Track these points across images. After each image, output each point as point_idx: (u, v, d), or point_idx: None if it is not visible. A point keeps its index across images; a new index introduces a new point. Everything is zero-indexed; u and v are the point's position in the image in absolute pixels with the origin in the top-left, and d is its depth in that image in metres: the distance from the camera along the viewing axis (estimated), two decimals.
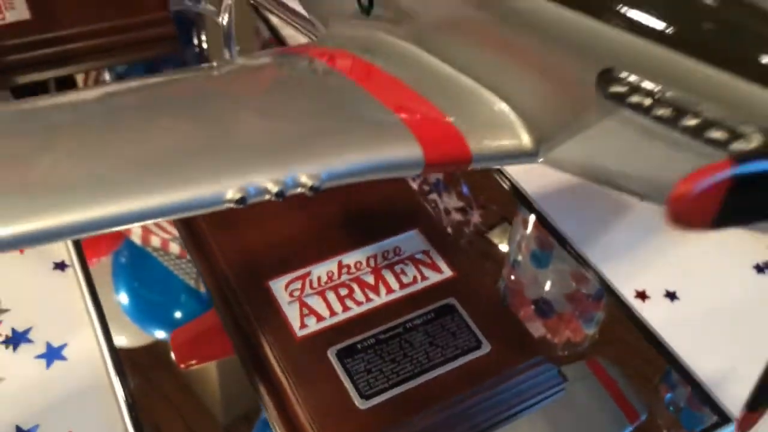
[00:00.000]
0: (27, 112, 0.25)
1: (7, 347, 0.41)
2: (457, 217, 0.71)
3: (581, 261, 0.50)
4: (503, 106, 0.25)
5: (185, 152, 0.21)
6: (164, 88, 0.26)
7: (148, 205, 0.19)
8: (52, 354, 0.41)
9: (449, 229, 0.72)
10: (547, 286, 0.62)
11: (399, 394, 0.39)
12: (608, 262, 0.50)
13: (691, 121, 0.21)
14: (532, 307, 0.63)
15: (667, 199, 0.14)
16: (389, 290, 0.44)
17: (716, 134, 0.20)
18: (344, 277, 0.44)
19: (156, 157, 0.21)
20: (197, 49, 0.70)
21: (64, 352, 0.41)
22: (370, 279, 0.44)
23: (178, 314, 0.48)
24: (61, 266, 0.45)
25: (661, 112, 0.21)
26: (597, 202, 0.53)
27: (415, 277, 0.44)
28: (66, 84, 0.62)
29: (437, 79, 0.25)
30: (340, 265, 0.44)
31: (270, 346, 0.40)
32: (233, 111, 0.24)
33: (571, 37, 0.23)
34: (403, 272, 0.45)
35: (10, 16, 0.60)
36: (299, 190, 0.21)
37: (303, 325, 0.41)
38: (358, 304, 0.43)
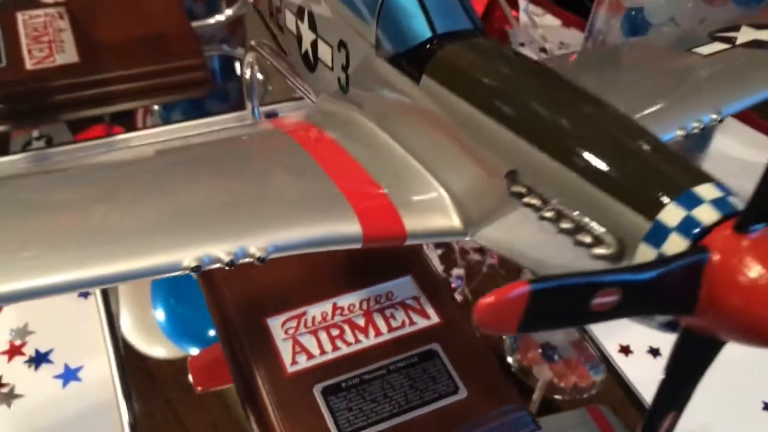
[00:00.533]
0: None
1: (29, 366, 0.46)
2: (474, 257, 0.74)
3: None
4: (441, 191, 0.28)
5: (150, 226, 0.25)
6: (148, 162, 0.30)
7: (116, 270, 0.23)
8: (69, 375, 0.45)
9: (463, 270, 0.75)
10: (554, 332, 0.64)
11: None
12: None
13: (567, 225, 0.23)
14: (539, 350, 0.65)
15: (474, 308, 0.17)
16: (378, 333, 0.47)
17: (584, 238, 0.23)
18: (337, 318, 0.47)
19: (123, 232, 0.25)
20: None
21: (80, 374, 0.46)
22: (361, 321, 0.47)
23: (211, 332, 0.52)
24: (84, 294, 0.50)
25: (548, 214, 0.24)
26: None
27: (403, 321, 0.47)
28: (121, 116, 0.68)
29: (389, 160, 0.29)
30: (335, 307, 0.48)
31: (262, 379, 0.44)
32: (203, 184, 0.28)
33: (491, 139, 0.26)
34: (392, 316, 0.48)
35: (60, 59, 0.67)
36: (248, 260, 0.24)
37: (294, 362, 0.45)
38: (348, 344, 0.46)
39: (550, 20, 0.81)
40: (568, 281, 0.18)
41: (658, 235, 0.21)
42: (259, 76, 0.56)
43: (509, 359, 0.62)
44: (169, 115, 0.71)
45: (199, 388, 0.46)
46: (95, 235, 0.24)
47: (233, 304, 0.48)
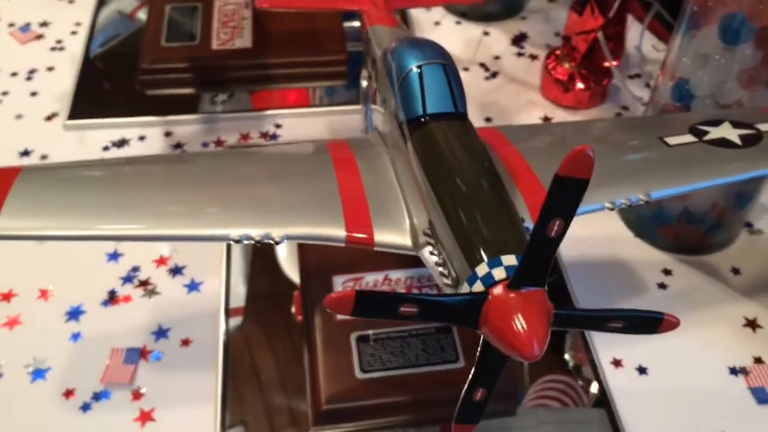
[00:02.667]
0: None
1: (169, 274, 0.65)
2: None
3: None
4: (405, 217, 0.40)
5: (219, 206, 0.40)
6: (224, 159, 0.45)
7: (192, 233, 0.38)
8: (193, 286, 0.64)
9: None
10: None
11: (386, 376, 0.56)
12: None
13: (440, 260, 0.36)
14: None
15: (326, 297, 0.29)
16: None
17: (444, 270, 0.35)
18: (384, 287, 0.61)
19: (199, 209, 0.40)
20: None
21: (200, 287, 0.64)
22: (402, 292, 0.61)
23: None
24: None
25: (434, 249, 0.36)
26: (607, 278, 0.65)
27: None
28: None
29: (384, 187, 0.41)
30: (385, 278, 0.62)
31: (318, 319, 0.59)
32: (249, 185, 0.42)
33: (427, 194, 0.38)
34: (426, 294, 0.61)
35: (238, 43, 0.85)
36: (269, 241, 0.39)
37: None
38: None
39: None
40: (384, 294, 0.30)
41: (472, 279, 0.33)
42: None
43: None
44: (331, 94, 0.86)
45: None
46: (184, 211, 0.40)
47: (312, 261, 0.63)
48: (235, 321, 0.61)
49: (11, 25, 0.90)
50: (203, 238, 0.39)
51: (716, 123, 0.46)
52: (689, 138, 0.45)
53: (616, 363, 0.60)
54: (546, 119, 0.80)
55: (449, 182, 0.37)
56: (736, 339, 0.61)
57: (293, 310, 0.63)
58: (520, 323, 0.30)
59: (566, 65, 0.80)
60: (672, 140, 0.45)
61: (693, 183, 0.43)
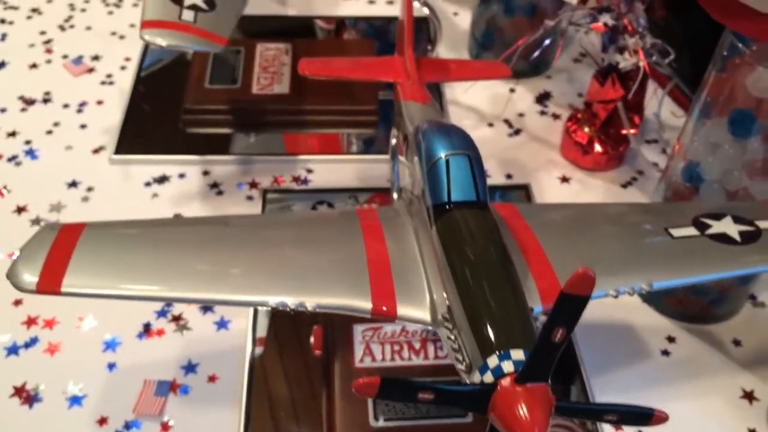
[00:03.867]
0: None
1: (201, 312, 0.69)
2: None
3: None
4: (426, 294, 0.44)
5: (261, 273, 0.44)
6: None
7: (224, 298, 0.43)
8: (222, 324, 0.68)
9: None
10: None
11: (399, 426, 0.59)
12: (598, 377, 0.65)
13: (455, 345, 0.40)
14: None
15: (353, 383, 0.33)
16: (426, 356, 0.64)
17: (458, 356, 0.39)
18: (401, 338, 0.65)
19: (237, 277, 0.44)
20: None
21: (229, 325, 0.68)
22: (417, 345, 0.65)
23: None
24: None
25: (450, 334, 0.40)
26: (613, 341, 0.68)
27: (447, 354, 0.64)
28: None
29: (408, 260, 0.46)
30: (403, 329, 0.66)
31: (338, 364, 0.63)
32: (287, 252, 0.47)
33: (447, 279, 0.42)
34: (441, 348, 0.65)
35: (276, 89, 0.90)
36: (303, 309, 0.43)
37: (361, 360, 0.64)
38: (402, 359, 0.64)
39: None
40: (405, 381, 0.34)
41: (483, 369, 0.37)
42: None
43: None
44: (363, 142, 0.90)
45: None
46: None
47: None
48: (259, 350, 0.65)
49: (65, 56, 0.96)
50: (245, 303, 0.44)
51: (719, 216, 0.50)
52: (692, 231, 0.48)
53: (617, 426, 0.63)
54: (564, 179, 0.84)
55: (469, 273, 0.41)
56: (732, 410, 0.64)
57: (312, 341, 0.67)
58: (524, 414, 0.34)
59: (586, 129, 0.84)
60: (676, 232, 0.48)
61: (693, 276, 0.46)
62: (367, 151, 0.87)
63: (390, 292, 0.44)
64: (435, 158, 0.46)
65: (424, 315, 0.44)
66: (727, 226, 0.49)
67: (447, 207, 0.45)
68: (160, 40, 0.59)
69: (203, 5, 0.64)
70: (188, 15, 0.61)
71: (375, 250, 0.46)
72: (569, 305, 0.32)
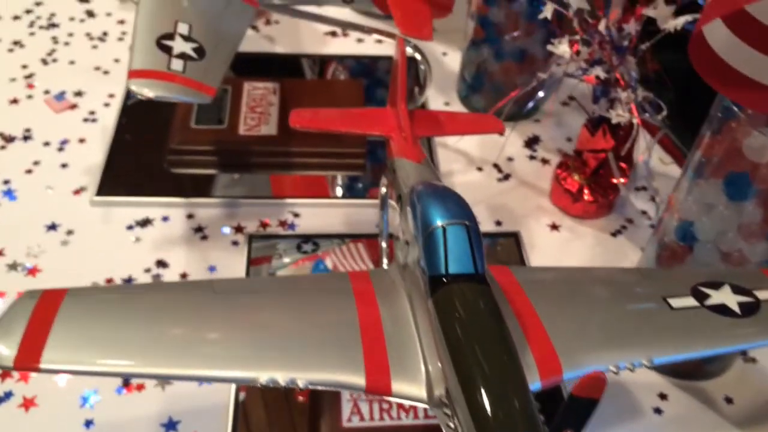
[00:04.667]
0: None
1: None
2: None
3: None
4: (422, 370, 0.43)
5: (248, 347, 0.42)
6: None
7: (212, 375, 0.41)
8: None
9: None
10: None
11: None
12: None
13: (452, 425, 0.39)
14: None
15: None
16: (416, 416, 0.63)
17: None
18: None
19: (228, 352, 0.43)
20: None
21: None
22: (407, 403, 0.63)
23: None
24: None
25: (449, 422, 0.39)
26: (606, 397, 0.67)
27: None
28: None
29: (402, 333, 0.44)
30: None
31: (324, 423, 0.62)
32: (276, 322, 0.45)
33: (444, 360, 0.41)
34: None
35: (264, 130, 0.88)
36: (293, 385, 0.41)
37: (349, 419, 0.62)
38: (391, 418, 0.62)
39: (676, 170, 0.90)
40: None
41: None
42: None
43: None
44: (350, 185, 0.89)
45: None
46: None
47: None
48: (243, 400, 0.63)
49: (47, 92, 0.94)
50: (234, 380, 0.42)
51: (717, 286, 0.49)
52: (691, 301, 0.48)
53: None
54: (554, 226, 0.83)
55: (468, 355, 0.40)
56: None
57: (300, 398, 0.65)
58: None
59: (576, 177, 0.83)
60: (675, 302, 0.47)
61: (694, 351, 0.45)
62: (355, 195, 0.86)
63: (384, 366, 0.42)
64: (432, 227, 0.44)
65: (420, 392, 0.42)
66: (726, 297, 0.48)
67: (444, 279, 0.44)
68: (147, 91, 0.58)
69: (193, 54, 0.62)
70: (177, 64, 0.60)
71: (368, 319, 0.45)
72: (579, 408, 0.31)
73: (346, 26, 0.92)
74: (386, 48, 1.06)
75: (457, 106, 0.99)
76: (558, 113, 0.99)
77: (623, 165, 0.83)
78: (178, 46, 0.62)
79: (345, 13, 1.08)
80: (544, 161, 0.92)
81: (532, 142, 0.95)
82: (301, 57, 1.04)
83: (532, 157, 0.93)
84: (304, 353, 0.43)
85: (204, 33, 0.65)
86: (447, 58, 1.07)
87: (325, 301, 0.48)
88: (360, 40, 1.08)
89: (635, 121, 0.69)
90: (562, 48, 0.68)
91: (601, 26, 0.71)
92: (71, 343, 0.41)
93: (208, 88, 0.61)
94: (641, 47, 0.71)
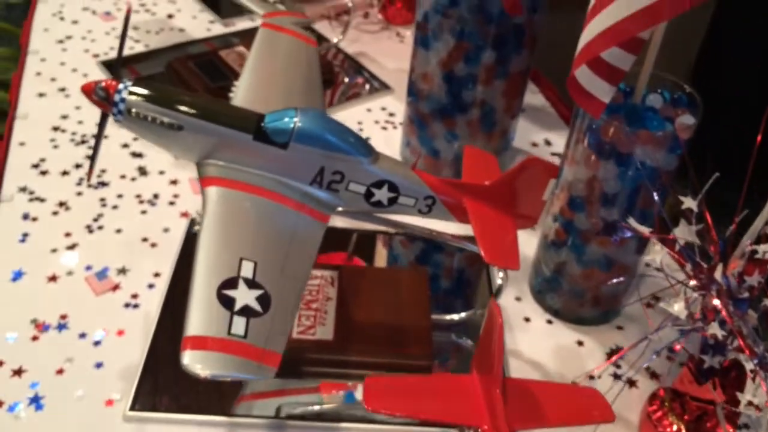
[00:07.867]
0: None
1: None
2: None
3: None
4: None
5: None
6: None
7: None
8: None
9: None
10: None
11: None
12: None
13: None
14: None
15: None
16: None
17: None
18: None
19: None
20: None
21: None
22: None
23: None
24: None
25: None
26: None
27: None
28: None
29: None
30: None
31: None
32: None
33: None
34: None
35: (319, 333, 0.80)
36: None
37: None
38: None
39: None
40: None
41: None
42: None
43: None
44: None
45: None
46: None
47: None
48: None
49: (88, 268, 0.87)
50: None
51: None
52: None
53: None
54: None
55: None
56: None
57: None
58: None
59: (671, 419, 0.72)
60: None
61: None
62: None
63: None
64: None
65: None
66: None
67: None
68: (201, 368, 0.50)
69: (257, 307, 0.54)
70: (239, 326, 0.52)
71: None
72: None
73: (430, 235, 0.83)
74: (452, 225, 0.98)
75: (529, 302, 0.90)
76: (642, 318, 0.89)
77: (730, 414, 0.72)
78: (242, 296, 0.54)
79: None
80: (631, 383, 0.81)
81: (614, 354, 0.85)
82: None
83: (617, 376, 0.82)
84: None
85: (269, 271, 0.58)
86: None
87: None
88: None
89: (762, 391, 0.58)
90: (678, 308, 0.59)
91: (717, 274, 0.62)
92: None
93: (272, 357, 0.53)
94: (766, 302, 0.62)
